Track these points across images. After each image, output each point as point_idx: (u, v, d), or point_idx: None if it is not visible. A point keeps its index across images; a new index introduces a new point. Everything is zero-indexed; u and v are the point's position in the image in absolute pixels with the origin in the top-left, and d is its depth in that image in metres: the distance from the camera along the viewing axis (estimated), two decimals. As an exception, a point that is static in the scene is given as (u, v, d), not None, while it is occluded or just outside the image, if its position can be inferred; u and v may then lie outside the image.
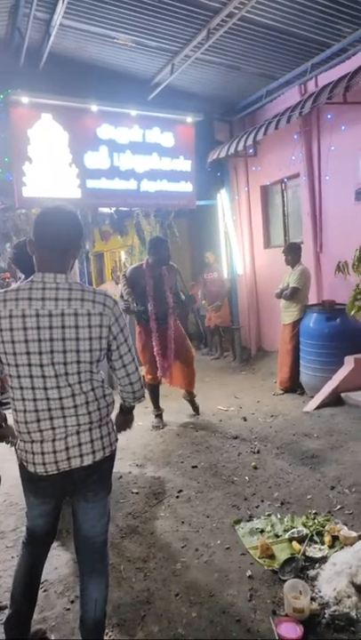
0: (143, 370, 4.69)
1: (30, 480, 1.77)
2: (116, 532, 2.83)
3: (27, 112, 5.65)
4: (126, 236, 7.68)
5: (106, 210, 7.06)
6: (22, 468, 1.78)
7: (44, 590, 2.35)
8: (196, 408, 5.01)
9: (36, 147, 5.73)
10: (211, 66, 5.98)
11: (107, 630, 2.02)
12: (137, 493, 3.33)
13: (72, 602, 2.26)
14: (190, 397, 4.98)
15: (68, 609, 2.23)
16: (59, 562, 2.59)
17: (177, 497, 3.25)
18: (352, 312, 4.09)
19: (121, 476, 3.59)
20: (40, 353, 1.61)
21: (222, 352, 8.12)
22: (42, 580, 2.25)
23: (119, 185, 6.31)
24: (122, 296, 4.64)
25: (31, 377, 1.63)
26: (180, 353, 4.66)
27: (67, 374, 1.64)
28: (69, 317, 1.62)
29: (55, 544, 2.55)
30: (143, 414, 4.88)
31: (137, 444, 4.25)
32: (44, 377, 1.63)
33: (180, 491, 3.33)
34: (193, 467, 3.71)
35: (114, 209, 6.99)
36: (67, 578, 2.45)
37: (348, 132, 5.46)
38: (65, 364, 1.63)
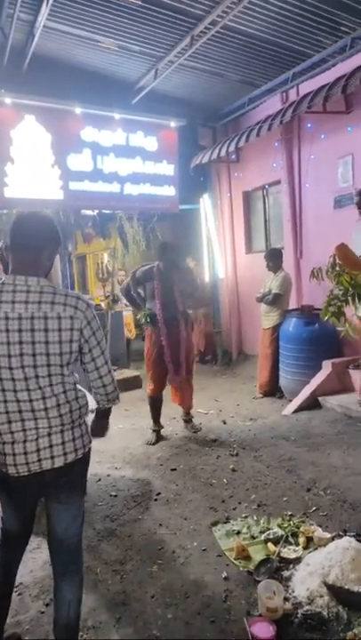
0: (147, 381, 4.53)
1: (2, 481, 1.77)
2: (93, 535, 2.83)
3: (9, 113, 5.63)
4: (109, 239, 7.68)
5: (89, 212, 7.05)
6: None
7: (19, 594, 2.34)
8: (194, 427, 4.62)
9: (19, 147, 5.71)
10: (194, 72, 6.03)
11: (81, 632, 2.02)
12: (115, 496, 3.33)
13: (47, 605, 2.25)
14: (188, 417, 4.68)
15: (43, 612, 2.22)
16: (34, 565, 2.58)
17: (155, 499, 3.26)
18: (326, 317, 4.16)
19: (99, 479, 3.58)
20: (9, 356, 1.62)
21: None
22: (17, 583, 2.25)
23: (102, 187, 6.32)
24: (127, 291, 4.57)
25: (0, 379, 1.64)
26: (186, 366, 4.43)
27: (37, 377, 1.65)
28: (39, 321, 1.63)
29: (31, 547, 2.53)
30: (123, 417, 4.89)
31: (116, 446, 4.25)
32: (13, 380, 1.63)
33: (159, 493, 3.34)
34: (172, 469, 3.73)
35: (97, 211, 6.99)
36: (42, 581, 2.44)
37: (327, 140, 5.58)
38: (35, 366, 1.64)
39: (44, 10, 4.58)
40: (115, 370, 6.54)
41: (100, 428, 2.07)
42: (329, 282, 4.30)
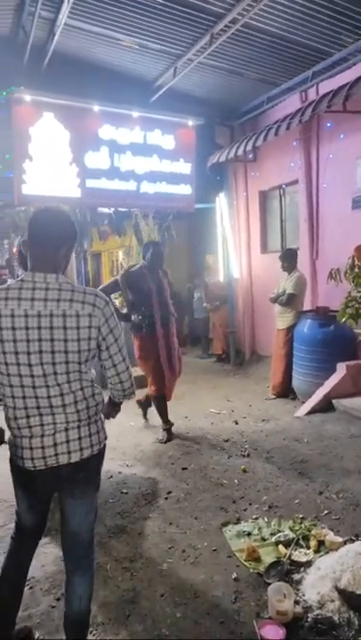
0: (148, 382, 4.48)
1: (19, 475, 1.80)
2: (104, 532, 2.84)
3: (29, 110, 5.67)
4: (124, 237, 7.70)
5: (105, 210, 7.08)
6: (12, 463, 1.80)
7: (30, 587, 2.36)
8: (145, 415, 4.82)
9: (37, 145, 5.76)
10: (213, 70, 6.01)
11: (91, 628, 2.04)
12: (126, 494, 3.35)
13: (58, 599, 2.27)
14: (147, 404, 4.71)
15: (54, 606, 2.24)
16: (46, 559, 2.60)
17: (166, 498, 3.27)
18: (343, 319, 4.12)
19: (111, 476, 3.60)
20: (28, 353, 1.63)
21: (210, 353, 8.20)
22: (28, 577, 2.26)
23: (119, 185, 6.34)
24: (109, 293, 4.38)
25: (20, 376, 1.65)
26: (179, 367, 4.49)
27: (55, 374, 1.66)
28: (57, 318, 1.64)
29: (43, 541, 2.55)
30: (135, 415, 4.90)
31: (128, 444, 4.27)
32: (32, 376, 1.65)
33: (170, 492, 3.35)
34: (183, 468, 3.73)
35: (113, 209, 7.01)
36: (53, 575, 2.46)
37: (346, 140, 5.51)
38: (53, 364, 1.65)
39: (66, 8, 4.61)
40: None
41: (112, 411, 2.11)
42: (347, 283, 4.25)
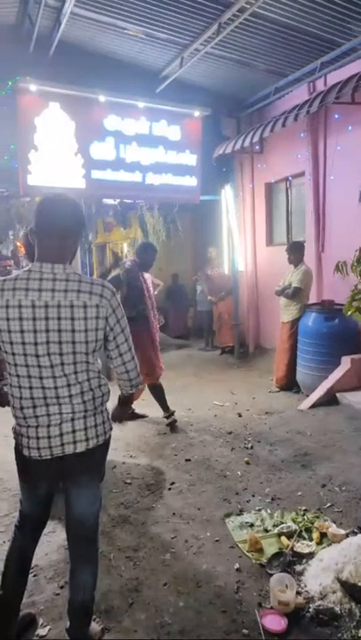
0: (143, 373, 4.50)
1: (24, 464, 1.81)
2: (107, 521, 2.86)
3: (34, 100, 5.64)
4: (129, 229, 7.68)
5: (110, 201, 7.05)
6: (17, 452, 1.81)
7: (34, 575, 2.39)
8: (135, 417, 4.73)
9: (43, 135, 5.73)
10: (220, 60, 5.95)
11: (94, 616, 2.05)
12: (130, 484, 3.37)
13: (62, 587, 2.29)
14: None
15: (58, 594, 2.26)
16: (50, 548, 2.62)
17: (169, 489, 3.29)
18: (349, 312, 4.10)
19: (115, 466, 3.62)
20: (36, 343, 1.63)
21: (213, 345, 8.20)
22: (32, 565, 2.28)
23: (124, 177, 6.31)
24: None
25: (27, 366, 1.65)
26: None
27: (62, 364, 1.66)
28: (65, 309, 1.64)
29: (47, 530, 2.56)
30: (140, 406, 4.91)
31: (132, 434, 4.29)
32: (39, 366, 1.65)
33: (173, 483, 3.36)
34: (186, 460, 3.75)
35: (118, 201, 6.98)
36: (57, 564, 2.49)
37: (354, 132, 5.46)
38: (61, 354, 1.65)
39: (72, -4, 4.56)
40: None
41: (121, 414, 2.11)
42: (354, 277, 4.23)
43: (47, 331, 1.63)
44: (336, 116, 5.64)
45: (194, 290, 8.92)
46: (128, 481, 3.41)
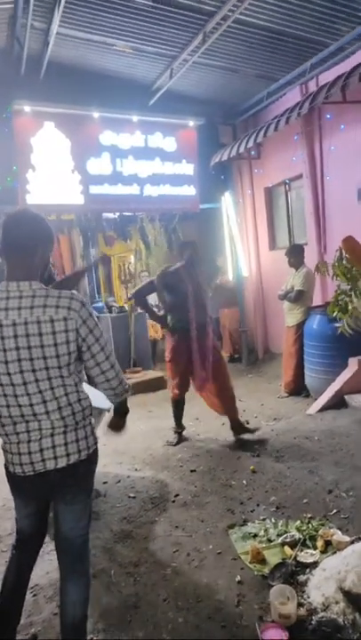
0: (170, 384, 4.41)
1: (12, 480, 1.81)
2: (109, 537, 2.83)
3: (29, 121, 5.75)
4: (130, 241, 7.71)
5: (110, 215, 7.11)
6: (6, 469, 1.81)
7: (34, 595, 2.36)
8: (245, 429, 4.27)
9: (39, 155, 5.83)
10: (209, 69, 5.99)
11: (91, 635, 2.02)
12: (134, 498, 3.33)
13: (60, 607, 2.25)
14: (234, 424, 4.25)
15: (56, 614, 2.22)
16: (51, 566, 2.58)
17: (173, 501, 3.24)
18: (334, 313, 4.03)
19: (119, 481, 3.58)
20: (6, 362, 1.63)
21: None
22: (32, 585, 2.27)
23: (122, 190, 6.37)
24: (142, 295, 4.32)
25: (1, 385, 1.65)
26: (216, 372, 4.20)
27: (37, 381, 1.65)
28: (32, 325, 1.63)
29: (48, 548, 2.56)
30: (147, 418, 4.89)
31: (138, 447, 4.25)
32: (12, 385, 1.65)
33: (177, 495, 3.31)
34: (192, 470, 3.69)
35: (117, 214, 7.04)
36: (57, 582, 2.42)
37: (347, 131, 5.42)
38: (33, 370, 1.64)
39: (56, 17, 4.64)
40: (140, 371, 6.60)
41: (116, 425, 2.05)
42: (335, 277, 4.16)
43: (17, 349, 1.63)
44: (328, 117, 5.61)
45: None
46: (132, 495, 3.37)
